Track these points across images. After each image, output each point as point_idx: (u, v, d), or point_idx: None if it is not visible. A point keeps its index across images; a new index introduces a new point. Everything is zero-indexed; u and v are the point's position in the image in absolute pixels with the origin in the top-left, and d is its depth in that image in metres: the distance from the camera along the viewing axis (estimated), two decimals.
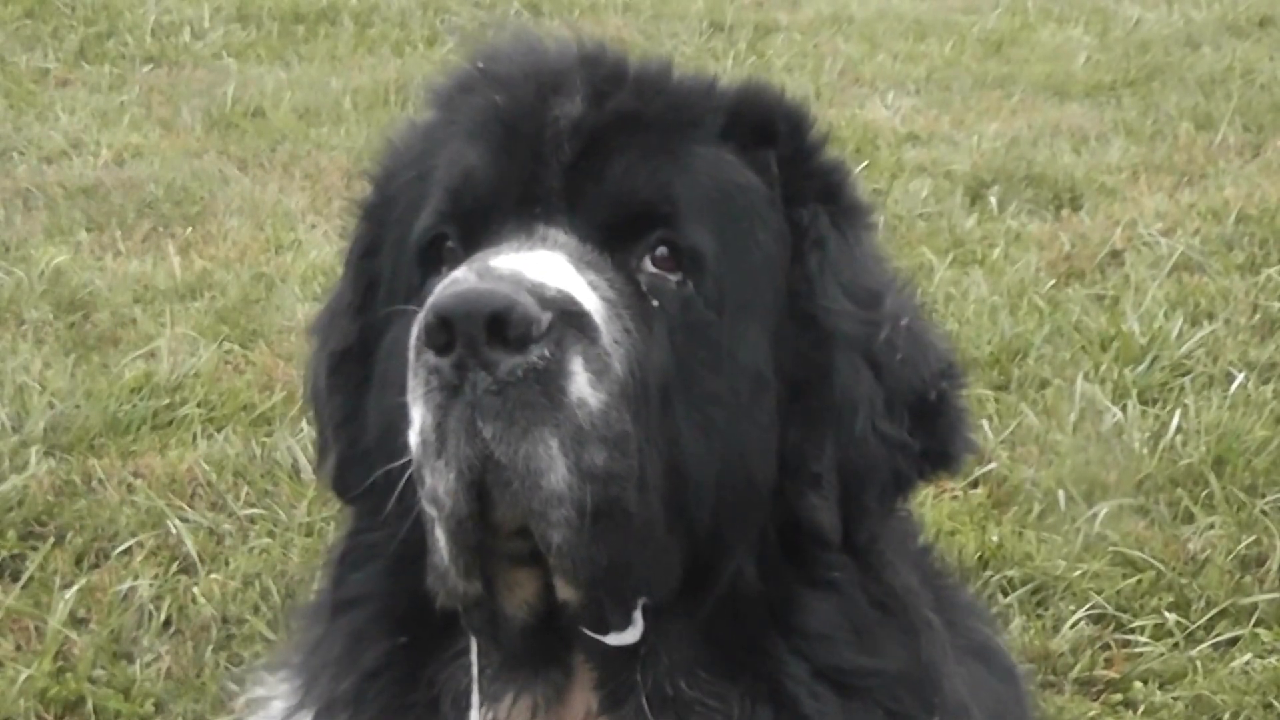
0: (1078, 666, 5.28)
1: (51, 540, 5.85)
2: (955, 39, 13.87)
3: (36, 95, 12.07)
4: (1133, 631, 5.45)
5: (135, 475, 6.27)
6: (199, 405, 6.93)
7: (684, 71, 2.84)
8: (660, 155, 2.65)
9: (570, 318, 2.40)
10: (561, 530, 2.42)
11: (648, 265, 2.61)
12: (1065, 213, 9.67)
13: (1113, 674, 5.27)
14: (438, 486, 2.44)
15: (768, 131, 2.77)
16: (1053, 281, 8.42)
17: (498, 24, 3.05)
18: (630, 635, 2.62)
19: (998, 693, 3.11)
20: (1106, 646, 5.41)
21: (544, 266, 2.46)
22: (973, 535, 5.84)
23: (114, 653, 5.26)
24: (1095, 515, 6.03)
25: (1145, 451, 6.50)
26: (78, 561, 5.76)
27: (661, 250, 2.61)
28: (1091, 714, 5.06)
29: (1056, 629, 5.44)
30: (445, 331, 2.35)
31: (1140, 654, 5.35)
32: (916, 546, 3.11)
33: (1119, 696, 5.18)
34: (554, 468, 2.38)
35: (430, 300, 2.38)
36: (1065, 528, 6.00)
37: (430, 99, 2.95)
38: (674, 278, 2.60)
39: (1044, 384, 7.23)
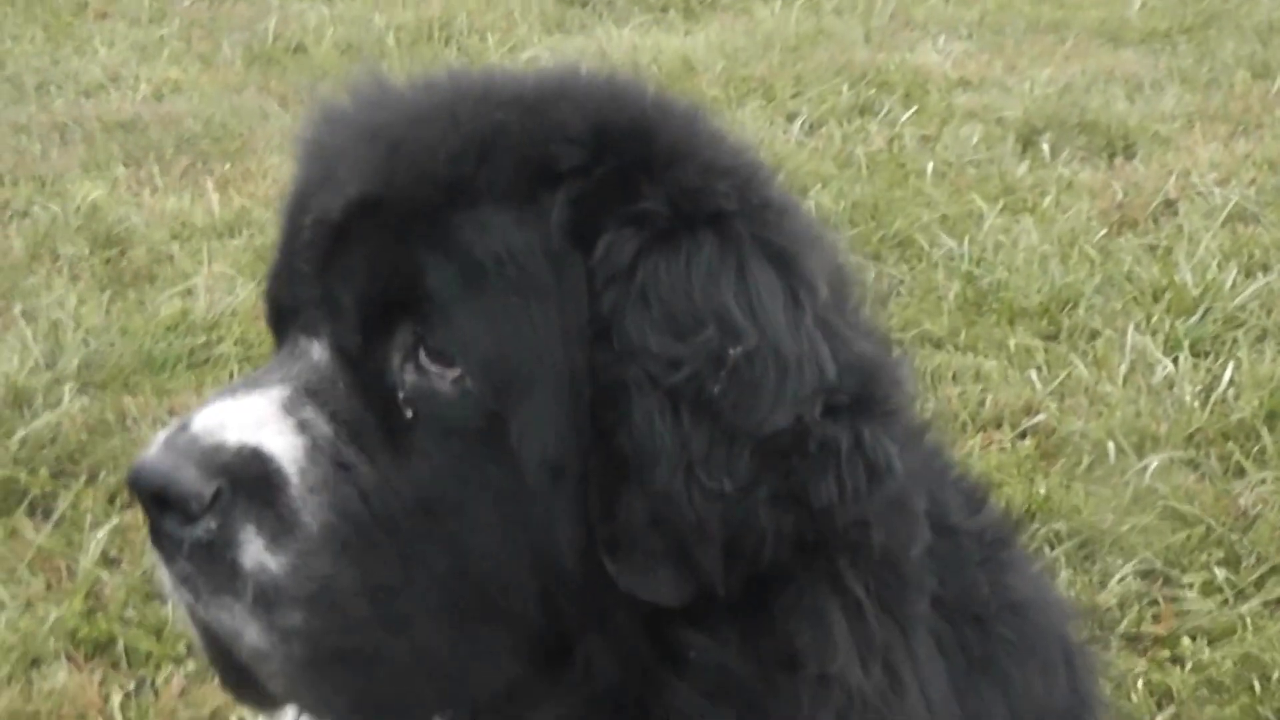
0: (1125, 621, 5.17)
1: (84, 479, 5.79)
2: None
3: (75, 28, 12.05)
4: (1182, 587, 5.34)
5: (170, 414, 6.19)
6: (235, 344, 6.87)
7: (490, 119, 2.46)
8: (408, 238, 2.38)
9: (245, 482, 2.30)
10: (279, 681, 2.36)
11: (410, 368, 2.37)
12: (1118, 161, 9.53)
13: (1160, 630, 5.16)
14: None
15: (548, 174, 2.40)
16: (1104, 231, 8.28)
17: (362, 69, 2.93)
18: None
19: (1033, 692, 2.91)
20: (1154, 602, 5.30)
21: (240, 418, 2.35)
22: (1020, 487, 5.74)
23: (145, 593, 5.19)
24: (1145, 468, 5.93)
25: (1196, 404, 6.39)
26: (110, 501, 5.71)
27: (421, 347, 2.37)
28: (1138, 670, 4.95)
29: (1104, 583, 5.33)
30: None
31: (1189, 610, 5.24)
32: (974, 509, 2.85)
33: (1167, 653, 5.07)
34: (246, 630, 2.31)
35: None
36: (1114, 481, 5.89)
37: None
38: (451, 374, 2.34)
39: (1094, 335, 7.12)
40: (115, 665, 4.92)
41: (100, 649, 4.98)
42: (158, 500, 2.29)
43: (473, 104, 2.49)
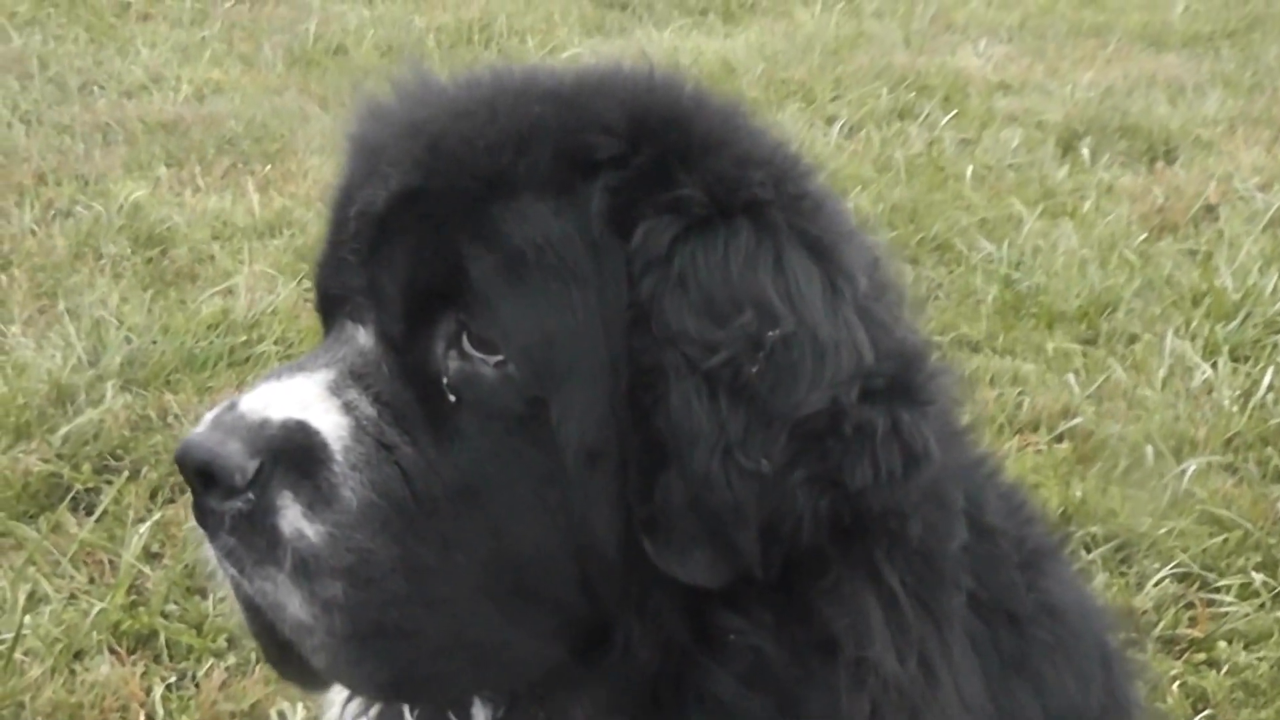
0: (1161, 625, 5.16)
1: (126, 474, 5.83)
2: None
3: (117, 29, 12.15)
4: (1218, 591, 5.34)
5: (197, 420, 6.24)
6: (276, 342, 6.92)
7: (529, 112, 2.50)
8: (450, 229, 2.41)
9: (285, 455, 2.34)
10: (321, 656, 2.40)
11: (453, 354, 2.41)
12: (1159, 165, 9.54)
13: (1197, 633, 5.15)
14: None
15: (586, 164, 2.43)
16: (1144, 235, 8.29)
17: (407, 61, 2.92)
18: None
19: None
20: (1191, 605, 5.29)
21: (287, 397, 2.40)
22: (1056, 490, 5.73)
23: (187, 588, 5.24)
24: (1183, 472, 5.92)
25: (1235, 409, 6.38)
26: (152, 496, 5.75)
27: (464, 334, 2.40)
28: (1174, 673, 4.95)
29: (1140, 586, 5.32)
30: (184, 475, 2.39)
31: (1225, 613, 5.23)
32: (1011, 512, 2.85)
33: (1203, 656, 5.07)
34: (289, 601, 2.35)
35: None
36: (1151, 484, 5.88)
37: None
38: (493, 359, 2.38)
39: (1133, 339, 7.12)
40: (157, 658, 4.96)
41: (142, 642, 5.02)
42: (203, 476, 2.33)
43: (512, 98, 2.53)
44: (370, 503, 2.35)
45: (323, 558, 2.32)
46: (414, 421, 2.40)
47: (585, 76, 2.63)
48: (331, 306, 2.55)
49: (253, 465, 2.32)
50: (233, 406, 2.38)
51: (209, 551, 2.41)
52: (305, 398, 2.40)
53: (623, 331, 2.36)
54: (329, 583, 2.33)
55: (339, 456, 2.35)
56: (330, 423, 2.37)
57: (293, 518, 2.32)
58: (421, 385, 2.41)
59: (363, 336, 2.46)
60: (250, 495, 2.32)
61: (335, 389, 2.41)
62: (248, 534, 2.34)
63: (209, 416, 2.39)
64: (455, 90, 2.64)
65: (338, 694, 2.80)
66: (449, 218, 2.41)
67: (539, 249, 2.38)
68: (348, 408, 2.39)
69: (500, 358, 2.36)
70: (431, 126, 2.52)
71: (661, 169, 2.40)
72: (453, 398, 2.39)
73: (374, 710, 2.74)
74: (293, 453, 2.34)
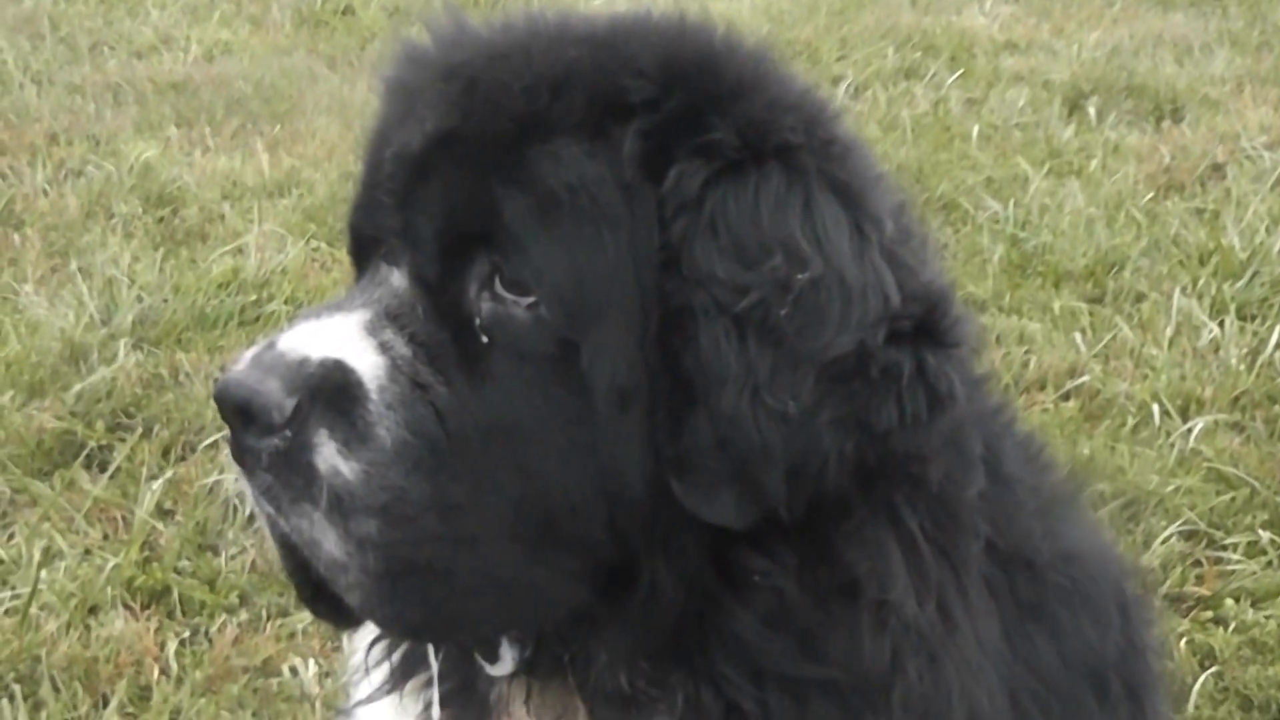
0: (1168, 582, 5.19)
1: (139, 432, 5.87)
2: None
3: None
4: (1225, 549, 5.36)
5: (222, 370, 6.26)
6: (286, 302, 6.96)
7: (563, 56, 2.52)
8: (485, 171, 2.44)
9: (323, 393, 2.37)
10: (354, 593, 2.42)
11: (487, 296, 2.43)
12: (1166, 124, 9.53)
13: (1204, 591, 5.18)
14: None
15: (619, 108, 2.44)
16: (1151, 194, 8.29)
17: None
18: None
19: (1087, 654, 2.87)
20: (1198, 563, 5.32)
21: (325, 337, 2.43)
22: (1064, 448, 5.74)
23: (199, 544, 5.29)
24: (1190, 431, 5.93)
25: (1242, 368, 6.39)
26: (165, 454, 5.79)
27: (497, 276, 2.43)
28: (1181, 630, 4.97)
29: (1148, 544, 5.34)
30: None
31: (1233, 571, 5.26)
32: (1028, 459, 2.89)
33: (1210, 613, 5.09)
34: (326, 537, 2.38)
35: None
36: (1159, 442, 5.90)
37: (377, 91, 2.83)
38: (525, 301, 2.41)
39: (1140, 298, 7.13)
40: (170, 614, 5.00)
41: (156, 598, 5.06)
42: (242, 414, 2.36)
43: (547, 42, 2.56)
44: (404, 441, 2.38)
45: (357, 495, 2.35)
46: (447, 362, 2.42)
47: (619, 21, 2.65)
48: (366, 248, 2.58)
49: (291, 403, 2.34)
50: (271, 345, 2.41)
51: (247, 489, 2.43)
52: (342, 337, 2.42)
53: (653, 274, 2.38)
54: (363, 520, 2.35)
55: (374, 395, 2.38)
56: (367, 362, 2.40)
57: (329, 455, 2.35)
58: (455, 326, 2.44)
59: (397, 278, 2.49)
60: (288, 432, 2.34)
61: (371, 329, 2.44)
62: (284, 471, 2.36)
63: (248, 355, 2.41)
64: (490, 34, 2.66)
65: (362, 639, 2.83)
66: (484, 160, 2.43)
67: (572, 191, 2.40)
68: (384, 348, 2.42)
69: (532, 299, 2.39)
70: (467, 69, 2.54)
71: (693, 113, 2.42)
72: (485, 339, 2.42)
73: (398, 653, 2.77)
74: (330, 391, 2.37)
